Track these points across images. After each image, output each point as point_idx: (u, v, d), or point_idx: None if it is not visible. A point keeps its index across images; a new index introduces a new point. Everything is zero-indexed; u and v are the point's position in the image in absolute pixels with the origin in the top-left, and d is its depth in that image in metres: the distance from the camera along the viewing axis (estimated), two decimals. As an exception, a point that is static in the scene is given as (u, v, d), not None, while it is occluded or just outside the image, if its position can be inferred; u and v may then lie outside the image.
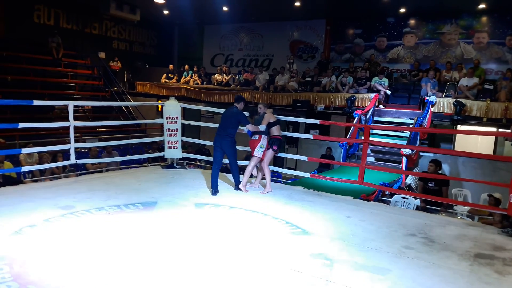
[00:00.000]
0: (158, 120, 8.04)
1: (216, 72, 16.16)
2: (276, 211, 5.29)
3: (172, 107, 7.58)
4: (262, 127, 6.11)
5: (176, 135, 7.59)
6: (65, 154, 8.16)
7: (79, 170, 8.60)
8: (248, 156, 8.27)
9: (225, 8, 15.15)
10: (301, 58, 16.69)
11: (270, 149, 6.22)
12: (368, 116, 10.77)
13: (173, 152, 7.67)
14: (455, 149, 11.70)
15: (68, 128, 6.39)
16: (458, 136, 12.00)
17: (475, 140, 12.12)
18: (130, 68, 18.14)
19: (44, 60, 14.44)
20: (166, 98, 7.98)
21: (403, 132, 10.79)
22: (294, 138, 14.03)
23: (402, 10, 13.90)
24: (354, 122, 10.38)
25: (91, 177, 6.96)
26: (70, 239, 3.98)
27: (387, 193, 7.46)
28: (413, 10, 13.88)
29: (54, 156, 8.89)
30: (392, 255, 4.03)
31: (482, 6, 12.60)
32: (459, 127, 10.83)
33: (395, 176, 8.66)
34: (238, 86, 14.82)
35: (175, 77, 16.64)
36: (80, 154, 9.11)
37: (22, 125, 6.10)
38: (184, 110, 7.71)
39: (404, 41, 14.62)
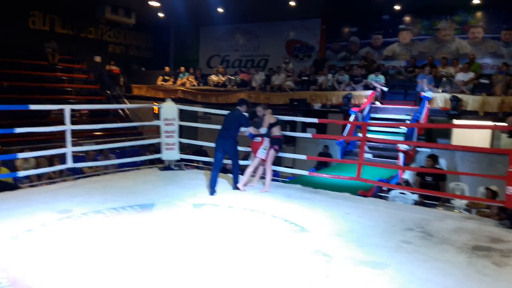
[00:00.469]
0: (155, 122, 8.03)
1: (212, 73, 16.17)
2: (275, 209, 5.29)
3: (169, 109, 7.58)
4: (263, 130, 6.16)
5: (173, 137, 7.59)
6: (62, 159, 8.15)
7: (77, 174, 8.60)
8: (247, 156, 8.29)
9: (220, 10, 15.16)
10: (297, 58, 16.72)
11: (272, 150, 6.24)
12: (365, 113, 10.79)
13: (171, 154, 7.67)
14: (452, 144, 11.72)
15: (64, 132, 6.39)
16: (455, 131, 12.01)
17: (471, 135, 12.12)
18: (126, 72, 18.13)
19: (40, 66, 14.47)
20: (163, 100, 7.98)
21: (400, 128, 10.81)
22: (291, 137, 14.04)
23: (397, 7, 13.94)
24: (350, 120, 10.38)
25: (89, 181, 6.95)
26: (68, 243, 3.97)
27: (384, 188, 7.47)
28: (408, 7, 13.91)
29: (51, 161, 8.89)
30: (390, 250, 4.03)
31: (477, 1, 12.66)
32: (455, 121, 10.85)
33: (392, 172, 8.67)
34: (235, 87, 14.82)
35: (171, 79, 16.63)
36: (77, 158, 9.11)
37: (18, 130, 6.09)
38: (180, 112, 7.71)
39: (400, 38, 14.65)
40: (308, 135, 9.07)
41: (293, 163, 12.72)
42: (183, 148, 10.03)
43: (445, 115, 10.64)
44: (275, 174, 8.40)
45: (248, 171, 6.35)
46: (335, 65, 15.08)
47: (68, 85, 15.35)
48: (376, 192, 7.37)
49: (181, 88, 15.86)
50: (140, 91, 17.03)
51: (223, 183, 6.57)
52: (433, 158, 7.05)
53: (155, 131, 9.54)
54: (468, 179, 9.14)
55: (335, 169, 9.75)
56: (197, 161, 9.89)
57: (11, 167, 8.27)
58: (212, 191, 5.98)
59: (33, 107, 6.71)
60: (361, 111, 10.68)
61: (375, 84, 11.68)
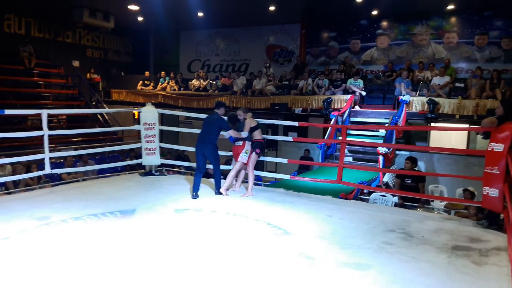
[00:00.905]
0: (135, 127, 7.93)
1: (193, 78, 16.09)
2: (258, 213, 5.29)
3: (149, 113, 7.51)
4: (244, 134, 6.14)
5: (154, 142, 7.51)
6: (40, 166, 7.96)
7: (55, 181, 8.39)
8: (229, 161, 8.27)
9: (200, 14, 15.11)
10: (278, 62, 16.81)
11: (254, 153, 6.24)
12: (344, 117, 10.92)
13: (151, 159, 7.58)
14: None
15: (42, 138, 6.24)
16: (432, 134, 12.29)
17: (449, 138, 12.42)
18: (105, 76, 17.85)
19: (16, 70, 14.10)
20: (143, 105, 7.88)
21: (379, 131, 10.98)
22: (274, 142, 14.10)
23: (374, 13, 14.17)
24: (331, 123, 10.49)
25: (68, 187, 6.80)
26: (47, 250, 3.88)
27: (365, 191, 7.56)
28: (385, 12, 14.15)
29: (28, 168, 8.67)
30: (372, 251, 4.08)
31: (451, 7, 12.96)
32: (433, 125, 11.08)
33: (373, 175, 8.79)
34: (216, 91, 14.79)
35: (152, 84, 16.48)
36: (55, 164, 8.92)
37: (-7, 136, 5.94)
38: (162, 117, 7.64)
39: (377, 42, 14.90)
40: (289, 138, 9.14)
41: (276, 168, 12.76)
42: (164, 154, 9.96)
43: (422, 118, 10.86)
44: (258, 178, 8.41)
45: (230, 175, 6.33)
46: (315, 70, 15.26)
47: (45, 90, 15.01)
48: (357, 195, 7.46)
49: (161, 92, 15.73)
50: (120, 96, 16.80)
51: (206, 188, 6.54)
52: (412, 161, 7.17)
53: (136, 137, 9.42)
54: (446, 182, 9.34)
55: (316, 172, 9.83)
56: (179, 166, 9.81)
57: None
58: (195, 194, 5.96)
59: (8, 111, 6.50)
60: (341, 115, 10.80)
61: (354, 89, 11.85)
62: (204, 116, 6.58)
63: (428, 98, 10.72)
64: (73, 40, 17.30)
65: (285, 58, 16.77)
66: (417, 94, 11.30)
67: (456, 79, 11.91)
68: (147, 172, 7.66)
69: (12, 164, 8.35)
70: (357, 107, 11.80)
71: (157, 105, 11.18)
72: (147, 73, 16.97)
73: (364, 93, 11.96)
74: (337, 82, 12.57)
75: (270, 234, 4.58)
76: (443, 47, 13.77)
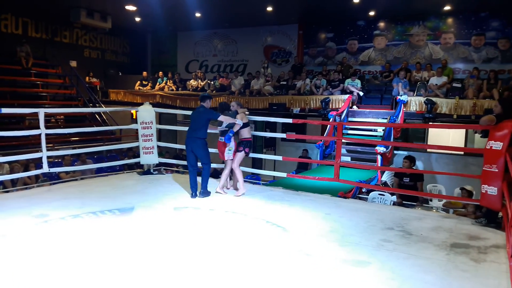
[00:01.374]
0: (132, 126, 7.92)
1: (191, 78, 16.08)
2: (256, 212, 5.28)
3: (146, 112, 7.49)
4: (239, 122, 5.99)
5: (152, 140, 7.49)
6: (38, 165, 7.93)
7: (53, 180, 8.36)
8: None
9: (198, 14, 15.10)
10: (275, 63, 16.83)
11: (242, 152, 6.18)
12: (342, 117, 10.93)
13: (149, 158, 7.56)
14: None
15: (39, 137, 6.22)
16: (430, 134, 12.31)
17: (446, 138, 12.47)
18: (103, 77, 17.82)
19: (13, 70, 14.06)
20: (141, 105, 7.87)
21: (377, 131, 10.99)
22: (272, 142, 14.11)
23: (371, 13, 14.21)
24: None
25: (66, 186, 6.79)
26: (45, 247, 3.86)
27: (364, 190, 7.57)
28: (382, 13, 14.19)
29: (26, 166, 8.64)
30: (371, 249, 4.08)
31: (447, 7, 13.01)
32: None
33: (371, 174, 8.80)
34: (214, 91, 14.79)
35: (149, 84, 16.47)
36: (53, 164, 8.88)
37: (-10, 134, 5.91)
38: (160, 116, 7.64)
39: (375, 43, 14.93)
40: (282, 135, 9.00)
41: (275, 167, 12.78)
42: (163, 153, 9.96)
43: (420, 118, 10.89)
44: (257, 177, 8.42)
45: (224, 173, 6.30)
46: (313, 70, 15.28)
47: (42, 90, 14.96)
48: (355, 193, 7.47)
49: (159, 93, 15.72)
50: (118, 96, 16.78)
51: (204, 186, 6.52)
52: (410, 159, 7.18)
53: (134, 137, 9.40)
54: (444, 181, 9.37)
55: (314, 172, 9.83)
56: (177, 165, 9.79)
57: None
58: (193, 193, 5.92)
59: (6, 110, 6.46)
60: (339, 115, 10.82)
61: (352, 89, 11.87)
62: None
63: (425, 98, 10.76)
64: (70, 41, 17.26)
65: (283, 59, 16.79)
66: (415, 94, 11.35)
67: (453, 79, 11.96)
68: (146, 171, 7.65)
69: (9, 163, 8.32)
70: (355, 107, 11.82)
71: (155, 105, 11.18)
72: (145, 73, 16.96)
73: (361, 93, 11.99)
74: (335, 82, 12.59)
75: (269, 231, 4.58)
76: (440, 47, 13.82)
